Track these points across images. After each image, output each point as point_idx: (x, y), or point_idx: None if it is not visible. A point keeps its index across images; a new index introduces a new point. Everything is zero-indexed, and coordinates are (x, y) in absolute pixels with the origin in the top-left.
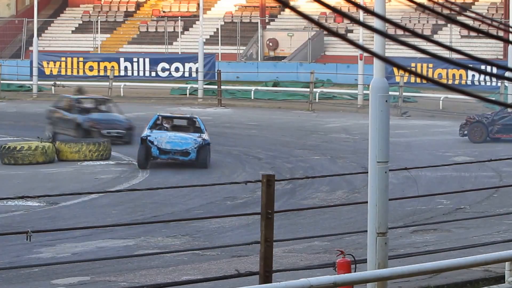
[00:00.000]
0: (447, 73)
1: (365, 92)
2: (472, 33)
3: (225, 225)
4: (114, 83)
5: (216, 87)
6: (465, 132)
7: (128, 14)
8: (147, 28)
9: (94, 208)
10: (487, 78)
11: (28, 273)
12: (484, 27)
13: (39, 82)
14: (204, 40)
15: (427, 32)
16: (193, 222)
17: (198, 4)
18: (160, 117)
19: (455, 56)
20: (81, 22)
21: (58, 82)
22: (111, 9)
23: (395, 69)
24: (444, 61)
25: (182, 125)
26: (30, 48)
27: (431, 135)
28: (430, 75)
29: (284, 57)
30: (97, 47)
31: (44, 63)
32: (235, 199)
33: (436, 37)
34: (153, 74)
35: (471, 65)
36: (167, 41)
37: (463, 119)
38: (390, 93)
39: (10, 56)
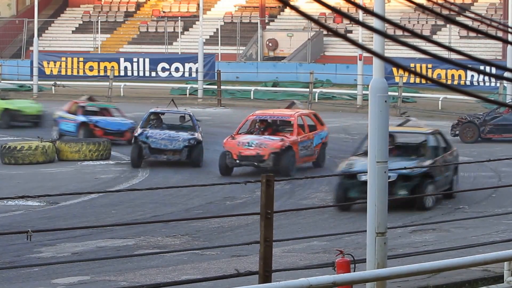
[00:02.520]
0: (446, 74)
1: (364, 92)
2: (471, 34)
3: (224, 225)
4: (114, 83)
5: (216, 87)
6: (457, 132)
7: (128, 14)
8: (147, 28)
9: (94, 208)
10: (486, 78)
11: (28, 273)
12: (483, 27)
13: (39, 82)
14: (204, 40)
15: (426, 33)
16: (192, 222)
17: (198, 4)
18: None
19: (454, 56)
20: (81, 22)
21: (58, 82)
22: (111, 9)
23: (394, 70)
24: (444, 61)
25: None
26: (31, 48)
27: None
28: (429, 75)
29: (283, 58)
30: (97, 47)
31: (45, 63)
32: (235, 199)
33: (435, 38)
34: (153, 74)
35: (470, 65)
36: (167, 41)
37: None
38: (389, 93)
39: (11, 56)
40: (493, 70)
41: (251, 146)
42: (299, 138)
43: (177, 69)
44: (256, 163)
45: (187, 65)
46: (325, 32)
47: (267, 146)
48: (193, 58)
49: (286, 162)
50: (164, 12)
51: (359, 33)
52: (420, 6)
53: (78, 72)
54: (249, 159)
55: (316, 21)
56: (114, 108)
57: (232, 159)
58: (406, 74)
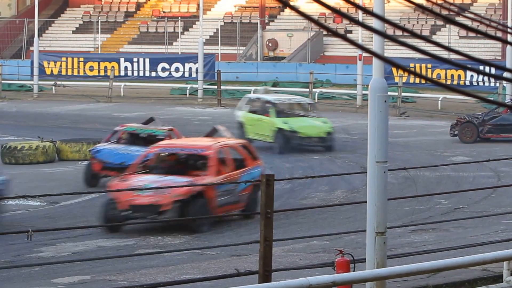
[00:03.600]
0: (445, 74)
1: (364, 92)
2: (471, 34)
3: (224, 224)
4: (114, 83)
5: (216, 87)
6: (456, 132)
7: (128, 15)
8: (147, 29)
9: (94, 208)
10: (486, 78)
11: (28, 272)
12: (482, 27)
13: (39, 82)
14: (204, 41)
15: (425, 33)
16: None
17: (198, 5)
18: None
19: (453, 56)
20: (81, 22)
21: (58, 82)
22: (112, 10)
23: (394, 69)
24: (443, 62)
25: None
26: (31, 48)
27: (429, 135)
28: (429, 75)
29: (283, 58)
30: (97, 47)
31: (45, 63)
32: None
33: (434, 38)
34: (153, 74)
35: (469, 66)
36: (167, 41)
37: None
38: (389, 93)
39: (11, 56)
40: (493, 70)
41: (146, 191)
42: (217, 179)
43: (177, 69)
44: (152, 216)
45: (187, 65)
46: (325, 32)
47: (167, 192)
48: (193, 58)
49: (194, 214)
50: (164, 12)
51: (359, 33)
52: (419, 6)
53: (78, 72)
54: (144, 209)
55: (315, 22)
56: (162, 135)
57: (117, 211)
58: (406, 74)
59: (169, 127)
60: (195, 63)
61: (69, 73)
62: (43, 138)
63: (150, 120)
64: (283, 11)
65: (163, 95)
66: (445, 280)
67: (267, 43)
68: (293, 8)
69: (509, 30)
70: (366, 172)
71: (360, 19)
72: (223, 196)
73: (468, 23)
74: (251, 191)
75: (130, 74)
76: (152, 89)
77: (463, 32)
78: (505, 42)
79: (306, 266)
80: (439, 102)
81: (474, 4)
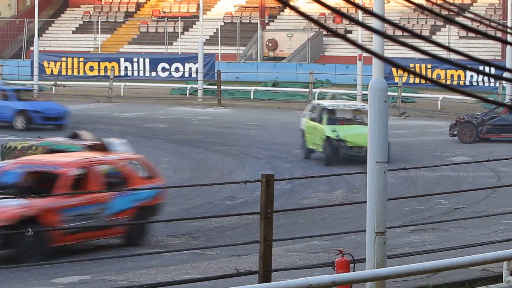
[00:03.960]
0: (445, 74)
1: (364, 92)
2: (471, 34)
3: (224, 224)
4: (114, 83)
5: (216, 87)
6: (455, 132)
7: (128, 15)
8: (147, 29)
9: None
10: (485, 78)
11: (28, 272)
12: (482, 28)
13: (39, 82)
14: (204, 41)
15: (425, 33)
16: (192, 221)
17: (198, 5)
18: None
19: (453, 56)
20: (81, 22)
21: (58, 82)
22: (112, 10)
23: (394, 70)
24: (443, 62)
25: None
26: (31, 48)
27: (429, 135)
28: (428, 75)
29: (283, 58)
30: (97, 47)
31: (45, 63)
32: (235, 199)
33: (434, 38)
34: (153, 74)
35: (469, 66)
36: (167, 41)
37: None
38: (389, 93)
39: (11, 56)
40: (492, 70)
41: None
42: (68, 201)
43: (177, 69)
44: None
45: (187, 65)
46: (324, 32)
47: None
48: (193, 58)
49: (23, 242)
50: (164, 12)
51: (358, 34)
52: (419, 6)
53: (78, 72)
54: None
55: (315, 22)
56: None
57: None
58: (406, 74)
59: (95, 141)
60: (195, 63)
61: (69, 73)
62: (43, 138)
63: (74, 135)
64: (283, 11)
65: (163, 95)
66: (445, 280)
67: (267, 43)
68: (293, 8)
69: (509, 30)
70: (366, 172)
71: (360, 19)
72: (76, 221)
73: (468, 23)
74: (134, 215)
75: (130, 74)
76: (152, 89)
77: (463, 32)
78: (505, 42)
79: (306, 266)
80: (439, 102)
81: (474, 4)
